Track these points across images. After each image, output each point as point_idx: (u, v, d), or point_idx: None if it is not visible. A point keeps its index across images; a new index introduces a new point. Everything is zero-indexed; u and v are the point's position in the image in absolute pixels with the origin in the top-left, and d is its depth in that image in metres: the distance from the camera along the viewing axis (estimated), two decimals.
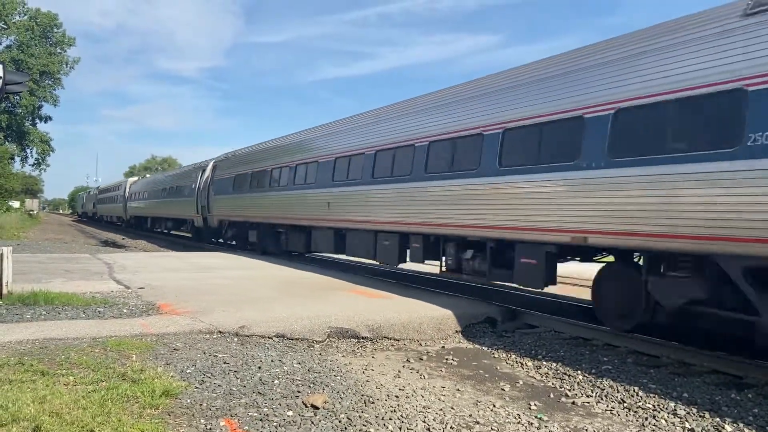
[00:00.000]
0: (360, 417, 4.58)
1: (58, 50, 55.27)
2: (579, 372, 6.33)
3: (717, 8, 6.75)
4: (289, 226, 16.86)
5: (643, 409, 5.18)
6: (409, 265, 13.11)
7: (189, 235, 29.11)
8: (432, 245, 10.91)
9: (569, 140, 7.84)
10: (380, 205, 12.08)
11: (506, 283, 9.68)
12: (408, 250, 11.62)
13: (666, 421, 4.91)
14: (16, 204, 63.95)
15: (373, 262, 13.75)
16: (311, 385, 5.26)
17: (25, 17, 52.84)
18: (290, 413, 4.55)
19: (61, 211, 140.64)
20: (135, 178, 50.44)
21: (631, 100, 7.12)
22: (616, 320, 7.82)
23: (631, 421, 4.90)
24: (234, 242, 22.46)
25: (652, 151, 6.75)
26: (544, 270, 8.33)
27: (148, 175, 50.32)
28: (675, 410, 5.13)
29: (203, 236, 26.02)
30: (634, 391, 5.65)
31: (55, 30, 54.52)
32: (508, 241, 8.93)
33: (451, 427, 4.51)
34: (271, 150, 18.89)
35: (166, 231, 34.70)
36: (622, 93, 7.24)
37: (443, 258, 10.65)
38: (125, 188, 46.32)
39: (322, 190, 14.46)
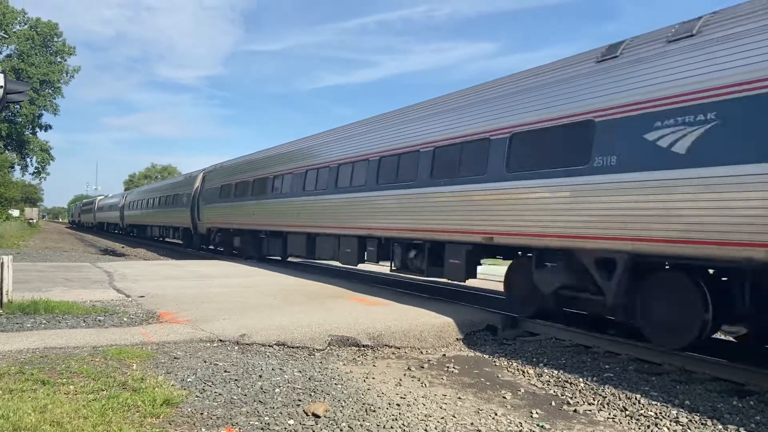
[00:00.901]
0: (361, 426, 4.57)
1: (59, 59, 55.47)
2: (580, 380, 6.32)
3: (582, 54, 8.61)
4: (269, 232, 18.50)
5: (645, 416, 5.16)
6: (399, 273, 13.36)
7: (180, 242, 30.68)
8: (384, 247, 12.54)
9: (480, 157, 9.57)
10: (342, 213, 13.92)
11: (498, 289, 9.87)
12: (365, 252, 13.22)
13: (668, 428, 4.89)
14: (15, 213, 63.91)
15: (373, 268, 14.15)
16: (312, 394, 5.25)
17: (26, 26, 53.08)
18: (291, 422, 4.54)
19: (60, 220, 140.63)
20: (103, 196, 61.14)
21: (521, 126, 8.89)
22: (519, 307, 9.42)
23: (633, 429, 4.88)
24: (221, 248, 23.91)
25: (534, 167, 8.50)
26: (465, 266, 9.98)
27: (136, 188, 54.68)
28: (677, 418, 5.11)
29: (193, 243, 27.40)
30: (636, 398, 5.64)
31: (56, 39, 54.74)
32: (439, 242, 10.59)
33: None
34: (252, 162, 20.84)
35: (157, 238, 36.38)
36: (516, 120, 9.03)
37: (392, 259, 12.21)
38: (95, 202, 56.87)
39: (295, 199, 16.35)
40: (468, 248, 9.87)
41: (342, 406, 4.97)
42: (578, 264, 7.96)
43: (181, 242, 30.59)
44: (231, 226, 21.71)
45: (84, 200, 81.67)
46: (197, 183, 26.31)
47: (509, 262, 10.04)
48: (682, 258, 6.68)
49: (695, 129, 6.44)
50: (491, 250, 10.21)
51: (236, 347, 6.80)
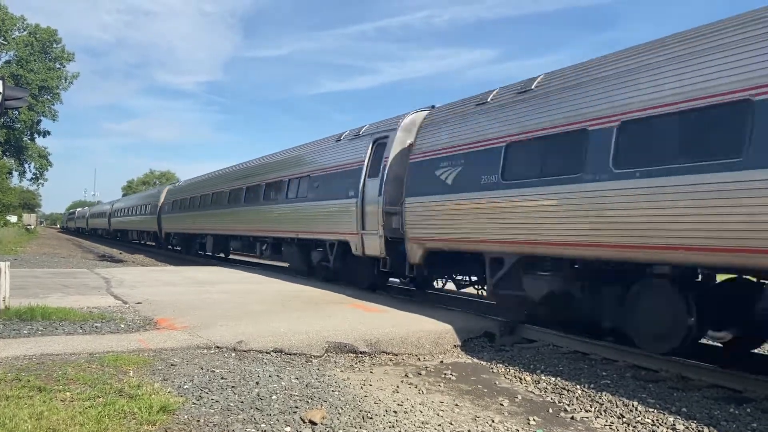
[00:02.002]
0: None
1: (57, 65, 55.59)
2: (578, 386, 6.32)
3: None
4: (205, 235, 25.61)
5: (642, 423, 5.16)
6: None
7: (153, 243, 38.65)
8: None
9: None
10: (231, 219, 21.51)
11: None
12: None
13: None
14: (13, 219, 63.83)
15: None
16: (309, 401, 5.24)
17: (25, 33, 53.21)
18: (288, 429, 4.53)
19: (58, 226, 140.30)
20: (85, 208, 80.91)
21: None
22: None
23: None
24: (179, 248, 31.45)
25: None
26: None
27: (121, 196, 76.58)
28: (674, 425, 5.11)
29: (162, 244, 35.17)
30: (633, 405, 5.64)
31: (55, 45, 54.89)
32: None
33: None
34: (195, 184, 29.00)
35: (133, 240, 44.78)
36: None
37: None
38: (76, 212, 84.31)
39: (222, 209, 22.98)
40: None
41: (339, 413, 4.97)
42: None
43: (153, 243, 38.42)
44: (183, 231, 29.37)
45: (71, 210, 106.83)
46: (162, 197, 34.11)
47: None
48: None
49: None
50: None
51: (233, 354, 6.79)
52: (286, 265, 18.60)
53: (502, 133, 9.13)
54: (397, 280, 13.33)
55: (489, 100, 9.90)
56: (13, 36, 51.98)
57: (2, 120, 45.84)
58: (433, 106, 12.10)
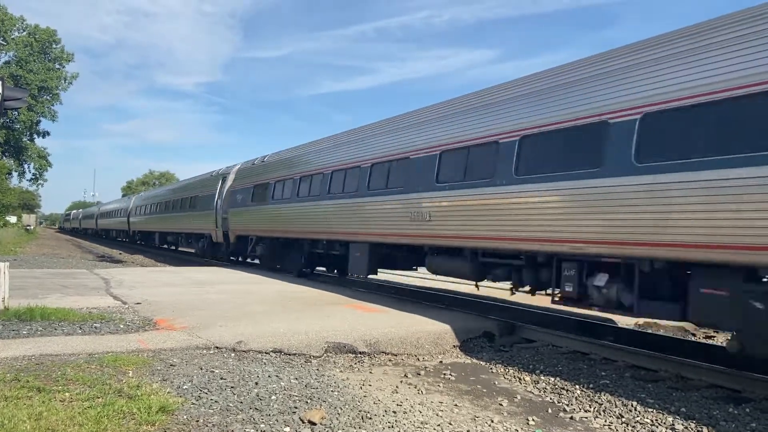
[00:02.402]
0: None
1: (57, 66, 55.56)
2: (577, 386, 6.32)
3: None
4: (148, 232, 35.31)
5: (641, 423, 5.17)
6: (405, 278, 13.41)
7: (125, 239, 48.14)
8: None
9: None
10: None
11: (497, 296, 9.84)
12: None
13: None
14: (13, 219, 63.82)
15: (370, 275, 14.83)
16: (308, 401, 5.24)
17: (24, 33, 53.18)
18: (287, 429, 4.53)
19: (56, 226, 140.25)
20: (80, 210, 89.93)
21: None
22: None
23: None
24: (141, 242, 42.21)
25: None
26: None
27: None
28: (673, 425, 5.12)
29: (134, 240, 44.09)
30: (632, 405, 5.64)
31: (54, 46, 54.87)
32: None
33: None
34: (159, 195, 35.98)
35: (114, 237, 54.25)
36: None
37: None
38: (71, 215, 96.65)
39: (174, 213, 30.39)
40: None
41: (338, 413, 4.97)
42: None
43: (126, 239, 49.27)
44: (143, 229, 39.68)
45: (66, 213, 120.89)
46: (131, 203, 44.40)
47: None
48: None
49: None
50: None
51: (233, 354, 6.79)
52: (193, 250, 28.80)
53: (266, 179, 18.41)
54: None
55: (258, 162, 20.08)
56: (12, 36, 51.97)
57: (2, 120, 45.83)
58: (246, 161, 22.12)
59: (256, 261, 21.00)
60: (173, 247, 34.19)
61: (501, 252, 9.03)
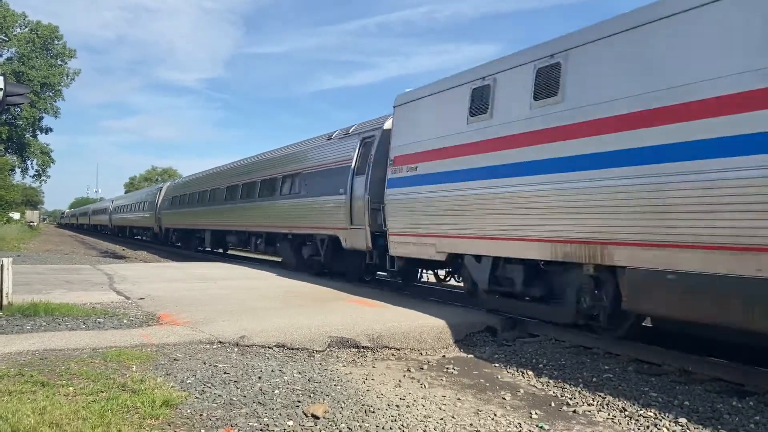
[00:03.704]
0: (360, 427, 4.57)
1: (59, 62, 55.60)
2: (580, 380, 6.32)
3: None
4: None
5: (644, 417, 5.16)
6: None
7: (107, 233, 52.66)
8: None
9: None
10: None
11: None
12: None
13: (667, 429, 4.90)
14: (16, 215, 63.98)
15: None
16: (312, 395, 5.25)
17: (26, 29, 53.21)
18: (291, 423, 4.54)
19: (56, 223, 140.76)
20: (72, 209, 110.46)
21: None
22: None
23: (633, 430, 4.88)
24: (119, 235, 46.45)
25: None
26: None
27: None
28: (676, 418, 5.11)
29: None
30: (635, 399, 5.63)
31: (56, 42, 54.88)
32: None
33: None
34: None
35: (102, 231, 58.83)
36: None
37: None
38: (67, 212, 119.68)
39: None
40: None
41: (341, 407, 4.98)
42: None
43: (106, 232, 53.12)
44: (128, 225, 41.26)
45: (63, 211, 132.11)
46: (110, 205, 45.00)
47: None
48: None
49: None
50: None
51: (236, 349, 6.80)
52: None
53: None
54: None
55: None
56: (14, 33, 51.97)
57: (4, 117, 45.89)
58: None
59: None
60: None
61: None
